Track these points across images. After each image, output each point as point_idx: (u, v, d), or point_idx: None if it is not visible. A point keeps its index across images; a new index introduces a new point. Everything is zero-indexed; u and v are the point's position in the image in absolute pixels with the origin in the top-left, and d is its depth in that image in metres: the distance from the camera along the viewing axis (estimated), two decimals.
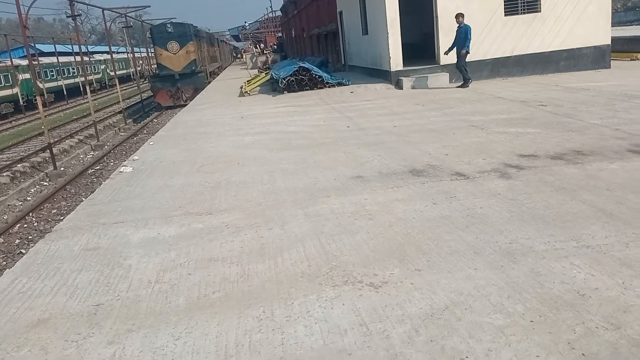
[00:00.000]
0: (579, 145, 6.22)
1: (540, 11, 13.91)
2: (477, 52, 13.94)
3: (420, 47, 16.75)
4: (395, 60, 14.05)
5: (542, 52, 14.09)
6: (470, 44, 12.76)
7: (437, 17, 13.79)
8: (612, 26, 14.60)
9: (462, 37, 12.69)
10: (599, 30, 14.07)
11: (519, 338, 2.58)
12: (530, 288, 3.04)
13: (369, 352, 2.58)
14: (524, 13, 13.95)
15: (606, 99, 9.44)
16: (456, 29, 12.85)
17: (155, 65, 30.53)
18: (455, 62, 13.09)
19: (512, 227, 3.95)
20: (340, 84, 15.50)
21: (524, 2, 13.91)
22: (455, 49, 12.97)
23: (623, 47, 18.05)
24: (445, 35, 13.80)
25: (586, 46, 14.13)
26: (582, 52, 14.19)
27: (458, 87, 13.04)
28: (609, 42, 14.30)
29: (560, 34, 13.96)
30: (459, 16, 12.79)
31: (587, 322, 2.66)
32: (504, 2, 13.81)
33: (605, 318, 2.67)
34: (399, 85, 13.90)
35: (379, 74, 15.31)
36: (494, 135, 7.22)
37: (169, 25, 28.87)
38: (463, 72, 13.00)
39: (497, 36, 13.90)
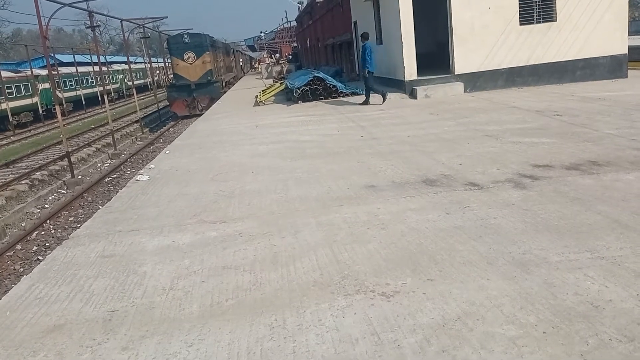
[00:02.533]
0: (595, 156, 6.17)
1: (555, 20, 13.84)
2: (492, 61, 13.92)
3: (434, 57, 16.73)
4: (410, 70, 14.07)
5: (557, 62, 14.00)
6: (372, 64, 13.32)
7: (451, 27, 13.79)
8: (629, 35, 14.47)
9: (362, 57, 13.33)
10: (615, 40, 13.95)
11: (531, 349, 2.56)
12: (543, 299, 3.02)
13: None
14: (539, 22, 13.88)
15: (623, 109, 9.34)
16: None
17: (172, 75, 30.87)
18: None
19: (526, 237, 3.93)
20: (354, 94, 15.54)
21: (539, 12, 13.85)
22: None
23: None
24: (460, 45, 13.80)
25: (602, 55, 14.01)
26: (599, 61, 14.06)
27: (360, 104, 13.56)
28: (626, 52, 14.15)
29: (576, 43, 13.87)
30: (361, 36, 13.54)
31: (601, 334, 2.63)
32: (519, 11, 13.77)
33: (619, 330, 2.65)
34: (413, 95, 13.90)
35: (393, 83, 15.32)
36: (509, 145, 7.19)
37: (185, 36, 29.19)
38: (368, 91, 13.53)
39: (512, 46, 13.86)
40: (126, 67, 40.79)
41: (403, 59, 13.95)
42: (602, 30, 13.79)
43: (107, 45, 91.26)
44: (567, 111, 9.56)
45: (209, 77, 28.46)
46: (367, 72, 13.25)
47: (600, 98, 10.85)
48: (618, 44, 14.00)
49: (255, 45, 79.60)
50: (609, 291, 3.04)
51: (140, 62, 56.83)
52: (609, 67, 14.10)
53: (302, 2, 45.16)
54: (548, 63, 14.01)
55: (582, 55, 13.96)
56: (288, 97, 16.61)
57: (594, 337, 2.61)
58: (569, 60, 13.99)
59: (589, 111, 9.36)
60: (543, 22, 13.88)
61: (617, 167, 5.63)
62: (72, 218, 11.56)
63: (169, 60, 33.66)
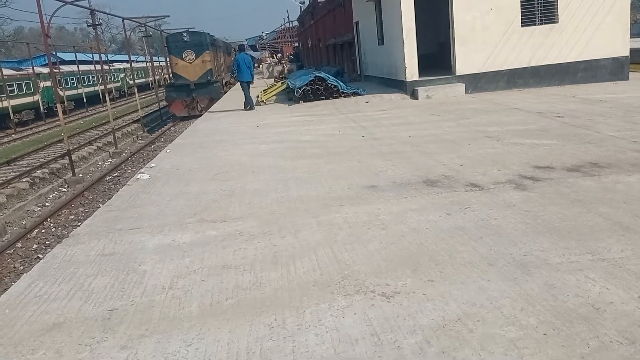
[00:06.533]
0: (596, 158, 6.16)
1: (557, 22, 13.83)
2: (493, 63, 13.91)
3: (436, 58, 16.74)
4: (411, 71, 14.06)
5: (559, 63, 13.99)
6: (244, 74, 15.03)
7: (453, 27, 13.78)
8: (631, 37, 14.46)
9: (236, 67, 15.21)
10: (617, 42, 13.93)
11: (531, 351, 2.56)
12: (544, 301, 3.01)
13: None
14: (541, 24, 13.87)
15: (624, 111, 9.33)
16: None
17: (171, 74, 30.67)
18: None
19: (527, 239, 3.92)
20: (355, 94, 15.54)
21: (541, 13, 13.84)
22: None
23: None
24: (462, 46, 13.79)
25: (604, 57, 14.00)
26: (600, 63, 14.05)
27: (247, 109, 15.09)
28: (628, 54, 14.14)
29: (577, 45, 13.86)
30: (239, 47, 15.96)
31: (601, 336, 2.62)
32: (521, 13, 13.75)
33: (620, 332, 2.64)
34: (414, 96, 13.90)
35: (395, 84, 15.32)
36: (510, 146, 7.18)
37: (184, 34, 28.73)
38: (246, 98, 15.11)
39: (513, 47, 13.84)
40: (128, 65, 40.76)
41: (404, 59, 13.94)
42: (603, 32, 13.78)
43: (109, 43, 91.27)
44: (569, 113, 9.55)
45: (209, 77, 28.11)
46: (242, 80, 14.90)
47: (601, 100, 10.84)
48: (620, 46, 13.98)
49: (257, 45, 79.60)
50: (610, 293, 3.03)
51: (142, 61, 56.83)
52: (611, 69, 14.08)
53: (304, 2, 45.18)
54: (549, 65, 13.99)
55: (583, 57, 13.94)
56: (289, 96, 16.61)
57: (594, 339, 2.60)
58: (571, 62, 13.98)
59: (591, 113, 9.35)
60: (545, 23, 13.86)
61: (618, 169, 5.62)
62: (72, 216, 11.56)
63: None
